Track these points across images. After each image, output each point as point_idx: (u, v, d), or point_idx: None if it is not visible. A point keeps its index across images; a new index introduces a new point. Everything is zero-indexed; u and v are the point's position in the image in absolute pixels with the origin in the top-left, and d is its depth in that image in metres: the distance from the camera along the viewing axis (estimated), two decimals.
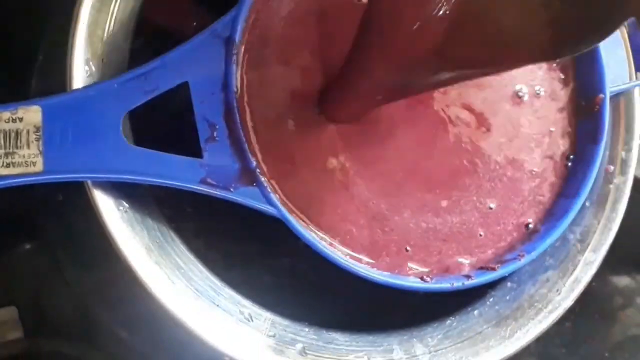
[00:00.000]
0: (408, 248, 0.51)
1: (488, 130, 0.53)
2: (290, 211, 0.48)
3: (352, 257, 0.50)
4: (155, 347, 0.62)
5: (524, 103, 0.54)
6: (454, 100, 0.53)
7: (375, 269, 0.51)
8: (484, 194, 0.53)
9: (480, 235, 0.52)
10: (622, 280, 0.73)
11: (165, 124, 0.51)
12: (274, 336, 0.51)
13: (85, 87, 0.46)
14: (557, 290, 0.54)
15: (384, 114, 0.51)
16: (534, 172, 0.54)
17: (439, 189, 0.52)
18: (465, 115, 0.53)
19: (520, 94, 0.54)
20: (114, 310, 0.62)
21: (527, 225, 0.53)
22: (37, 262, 0.65)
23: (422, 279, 0.50)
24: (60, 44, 0.48)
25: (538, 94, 0.54)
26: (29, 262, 0.65)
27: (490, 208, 0.53)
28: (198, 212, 0.59)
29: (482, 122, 0.53)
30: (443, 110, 0.53)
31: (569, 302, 0.54)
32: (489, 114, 0.53)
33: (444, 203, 0.52)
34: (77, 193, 0.47)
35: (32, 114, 0.44)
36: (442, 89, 0.52)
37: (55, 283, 0.64)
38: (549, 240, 0.52)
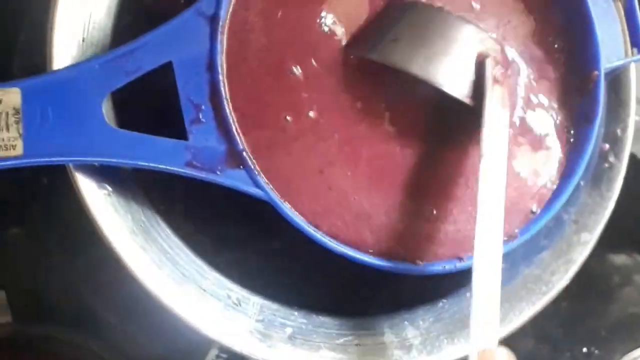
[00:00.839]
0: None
1: None
2: (278, 195, 0.47)
3: None
4: (144, 332, 0.62)
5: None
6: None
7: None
8: None
9: None
10: (620, 259, 0.72)
11: (150, 106, 0.50)
12: (262, 320, 0.51)
13: (65, 68, 0.45)
14: (551, 272, 0.54)
15: (385, 114, 0.50)
16: (537, 169, 0.53)
17: (430, 197, 0.51)
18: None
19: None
20: (102, 295, 0.62)
21: (532, 212, 0.52)
22: (25, 247, 0.64)
23: (413, 262, 0.49)
24: (42, 23, 0.47)
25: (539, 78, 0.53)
26: (17, 247, 0.64)
27: None
28: (188, 196, 0.58)
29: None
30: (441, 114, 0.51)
31: (563, 283, 0.53)
32: None
33: (435, 211, 0.51)
34: (61, 177, 0.47)
35: (11, 96, 0.43)
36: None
37: (44, 267, 0.64)
38: (542, 222, 0.51)
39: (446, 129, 0.51)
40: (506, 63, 0.51)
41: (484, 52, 0.48)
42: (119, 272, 0.47)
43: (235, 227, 0.59)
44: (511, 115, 0.51)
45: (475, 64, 0.48)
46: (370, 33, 0.50)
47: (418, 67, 0.47)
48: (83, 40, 0.48)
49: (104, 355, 0.62)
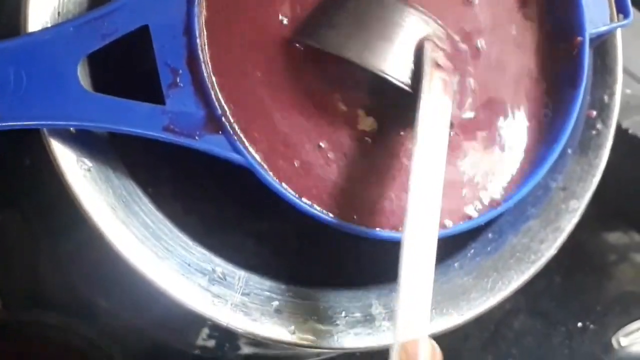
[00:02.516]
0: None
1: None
2: (257, 160, 0.46)
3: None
4: (136, 314, 0.60)
5: (501, 49, 0.51)
6: None
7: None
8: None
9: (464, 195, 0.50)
10: (616, 236, 0.71)
11: (127, 70, 0.48)
12: (248, 294, 0.49)
13: (39, 31, 0.44)
14: (540, 240, 0.52)
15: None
16: (512, 129, 0.51)
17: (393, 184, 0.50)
18: None
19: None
20: (90, 277, 0.60)
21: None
22: (12, 233, 0.63)
23: (396, 229, 0.48)
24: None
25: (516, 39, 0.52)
26: (4, 233, 0.63)
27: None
28: (176, 176, 0.57)
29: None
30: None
31: (551, 252, 0.52)
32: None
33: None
34: (43, 157, 0.45)
35: None
36: None
37: (32, 252, 0.62)
38: (526, 188, 0.50)
39: (395, 115, 0.49)
40: (454, 47, 0.49)
41: (425, 37, 0.47)
42: (105, 252, 0.46)
43: (224, 207, 0.58)
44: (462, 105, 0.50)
45: (416, 49, 0.47)
46: (312, 19, 0.48)
47: (353, 53, 0.46)
48: (59, 15, 0.46)
49: (95, 339, 0.61)
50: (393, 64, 0.46)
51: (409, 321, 0.39)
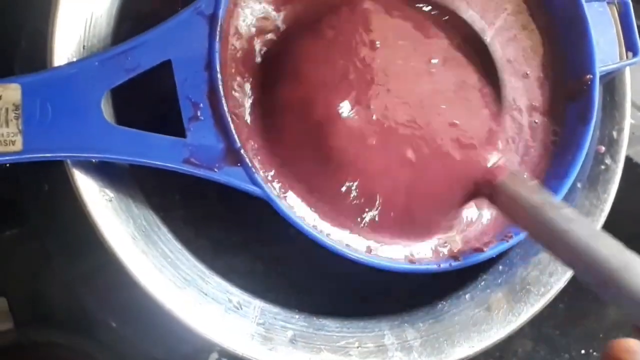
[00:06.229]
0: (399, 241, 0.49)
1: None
2: (276, 192, 0.45)
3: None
4: (145, 336, 0.59)
5: (512, 86, 0.51)
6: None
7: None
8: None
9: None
10: None
11: (149, 104, 0.48)
12: (263, 324, 0.49)
13: (65, 65, 0.44)
14: (549, 273, 0.52)
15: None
16: (523, 159, 0.51)
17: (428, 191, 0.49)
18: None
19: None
20: (103, 299, 0.59)
21: None
22: (26, 253, 0.62)
23: (410, 260, 0.47)
24: (42, 31, 0.45)
25: (527, 74, 0.51)
26: (18, 253, 0.62)
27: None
28: (187, 200, 0.56)
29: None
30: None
31: (561, 284, 0.52)
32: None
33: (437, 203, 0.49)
34: (62, 183, 0.45)
35: (11, 92, 0.41)
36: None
37: (45, 273, 0.61)
38: None
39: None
40: None
41: None
42: (119, 276, 0.45)
43: (236, 231, 0.57)
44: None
45: None
46: None
47: None
48: (84, 48, 0.46)
49: None
50: None
51: None
